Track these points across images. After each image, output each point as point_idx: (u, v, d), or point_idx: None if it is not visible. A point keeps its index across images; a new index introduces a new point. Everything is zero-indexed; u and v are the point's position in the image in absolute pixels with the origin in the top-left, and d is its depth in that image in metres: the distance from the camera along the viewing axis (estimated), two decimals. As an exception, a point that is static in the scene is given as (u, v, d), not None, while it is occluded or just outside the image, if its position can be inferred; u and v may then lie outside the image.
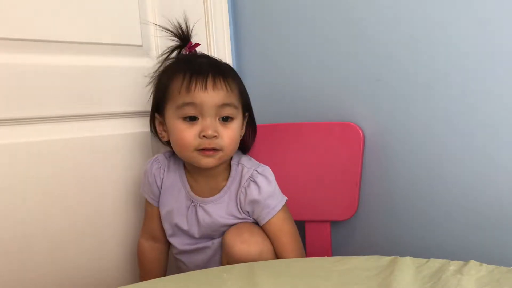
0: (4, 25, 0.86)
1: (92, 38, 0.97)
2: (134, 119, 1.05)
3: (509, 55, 0.83)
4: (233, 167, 0.90)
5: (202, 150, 0.84)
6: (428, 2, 0.90)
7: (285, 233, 0.89)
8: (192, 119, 0.84)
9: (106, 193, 1.00)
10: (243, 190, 0.87)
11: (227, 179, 0.90)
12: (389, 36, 0.96)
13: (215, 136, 0.83)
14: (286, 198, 0.90)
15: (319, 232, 1.03)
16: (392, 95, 0.97)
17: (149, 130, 1.06)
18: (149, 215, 0.98)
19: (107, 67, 1.00)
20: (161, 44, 1.08)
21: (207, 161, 0.84)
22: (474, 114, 0.88)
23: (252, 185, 0.87)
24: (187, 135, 0.83)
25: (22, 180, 0.89)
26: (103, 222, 1.00)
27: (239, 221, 0.89)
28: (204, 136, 0.82)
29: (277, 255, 0.88)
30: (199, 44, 0.96)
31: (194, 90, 0.82)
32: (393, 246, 1.01)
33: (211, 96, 0.82)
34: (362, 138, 1.01)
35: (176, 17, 1.10)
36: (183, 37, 0.93)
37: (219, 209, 0.89)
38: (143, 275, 0.99)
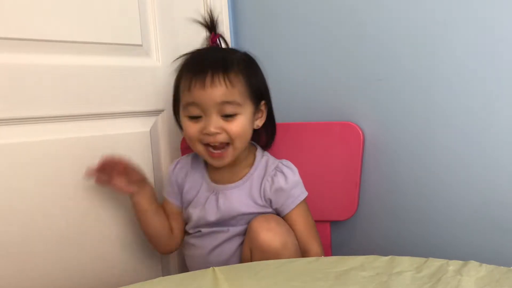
0: (4, 25, 0.86)
1: (92, 38, 0.97)
2: (134, 119, 1.05)
3: (509, 55, 0.83)
4: (258, 157, 0.95)
5: (210, 151, 0.88)
6: (429, 2, 0.90)
7: (308, 222, 0.93)
8: (197, 117, 0.87)
9: (106, 193, 1.00)
10: (269, 178, 0.91)
11: (250, 166, 0.94)
12: (389, 36, 0.96)
13: (218, 133, 0.86)
14: (307, 193, 0.93)
15: (319, 232, 1.03)
16: (392, 95, 0.97)
17: (149, 130, 1.07)
18: (167, 214, 0.99)
19: (107, 67, 1.00)
20: (161, 44, 1.08)
21: (218, 163, 0.89)
22: (474, 115, 0.88)
23: (279, 175, 0.91)
24: (191, 131, 0.88)
25: (22, 180, 0.89)
26: (102, 222, 1.00)
27: (259, 209, 0.91)
28: (206, 133, 0.86)
29: (299, 245, 0.89)
30: (219, 35, 0.96)
31: (194, 89, 0.85)
32: (393, 246, 1.01)
33: (209, 94, 0.84)
34: (362, 138, 1.00)
35: (175, 17, 1.11)
36: (209, 27, 0.96)
37: (240, 195, 0.91)
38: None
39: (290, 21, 1.11)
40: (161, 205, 1.00)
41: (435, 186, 0.94)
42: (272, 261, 0.77)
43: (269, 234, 0.82)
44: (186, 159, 0.99)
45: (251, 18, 1.17)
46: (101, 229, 1.00)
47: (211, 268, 0.71)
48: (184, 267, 1.14)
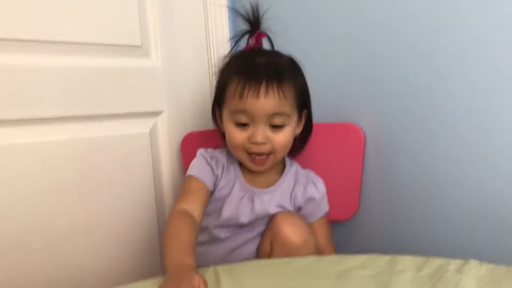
0: (4, 25, 0.86)
1: (92, 38, 0.97)
2: (134, 119, 1.05)
3: (509, 56, 0.83)
4: (288, 165, 0.96)
5: (252, 157, 0.87)
6: (428, 3, 0.91)
7: (327, 233, 0.96)
8: (244, 124, 0.86)
9: (105, 193, 1.00)
10: (301, 187, 0.92)
11: (280, 173, 0.95)
12: (389, 36, 0.96)
13: (264, 143, 0.85)
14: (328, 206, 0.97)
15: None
16: (393, 95, 0.97)
17: (149, 131, 1.07)
18: (194, 190, 0.88)
19: (107, 68, 1.00)
20: (161, 44, 1.08)
21: (258, 168, 0.89)
22: (474, 115, 0.88)
23: (311, 185, 0.93)
24: (237, 138, 0.86)
25: (22, 180, 0.89)
26: (102, 222, 1.00)
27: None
28: (253, 142, 0.85)
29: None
30: (265, 35, 0.94)
31: (247, 97, 0.83)
32: (394, 246, 1.01)
33: (262, 104, 0.82)
34: (363, 138, 1.00)
35: (175, 18, 1.11)
36: (253, 23, 0.93)
37: (272, 201, 0.91)
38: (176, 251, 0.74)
39: (289, 21, 1.11)
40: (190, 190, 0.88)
41: (436, 186, 0.94)
42: (273, 260, 0.77)
43: (293, 228, 0.83)
44: (221, 155, 0.94)
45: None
46: (101, 229, 1.00)
47: (211, 267, 0.71)
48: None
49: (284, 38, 1.11)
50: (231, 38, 1.00)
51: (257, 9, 0.92)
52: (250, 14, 0.92)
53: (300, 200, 0.92)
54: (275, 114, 0.84)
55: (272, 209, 0.90)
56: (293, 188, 0.93)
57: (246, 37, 0.94)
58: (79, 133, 0.97)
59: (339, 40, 1.04)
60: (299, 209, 0.93)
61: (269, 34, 0.95)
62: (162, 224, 1.11)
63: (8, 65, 0.87)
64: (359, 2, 1.00)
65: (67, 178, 0.95)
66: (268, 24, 0.95)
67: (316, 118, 1.06)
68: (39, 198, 0.91)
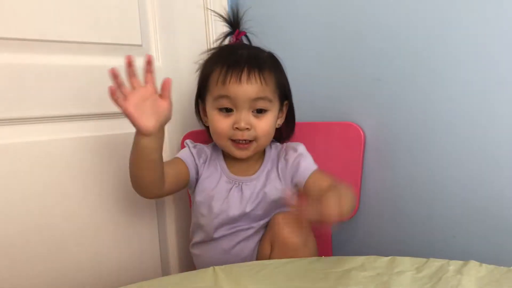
0: (4, 25, 0.86)
1: (92, 38, 0.97)
2: (134, 119, 1.05)
3: (509, 55, 0.83)
4: (267, 148, 0.97)
5: (236, 142, 0.89)
6: (428, 2, 0.90)
7: (331, 176, 0.90)
8: (228, 110, 0.88)
9: (105, 193, 1.00)
10: (282, 160, 0.94)
11: (262, 159, 0.96)
12: (389, 36, 0.96)
13: (247, 128, 0.87)
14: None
15: (319, 232, 1.03)
16: (392, 95, 0.97)
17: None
18: (173, 161, 0.93)
19: (107, 67, 0.99)
20: (161, 44, 1.08)
21: (241, 153, 0.90)
22: (473, 114, 0.88)
23: (290, 151, 0.94)
24: (222, 125, 0.88)
25: (22, 180, 0.89)
26: (102, 222, 1.00)
27: (279, 192, 0.92)
28: (236, 128, 0.87)
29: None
30: (245, 33, 0.98)
31: (229, 83, 0.86)
32: (393, 246, 1.01)
33: (244, 89, 0.85)
34: (362, 138, 1.00)
35: (175, 18, 1.11)
36: (233, 24, 0.97)
37: (259, 185, 0.93)
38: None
39: (289, 21, 1.11)
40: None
41: (436, 186, 0.94)
42: (272, 260, 0.77)
43: (293, 229, 0.84)
44: (205, 148, 0.97)
45: (251, 18, 1.17)
46: (101, 229, 1.00)
47: (211, 267, 0.71)
48: (184, 267, 1.14)
49: (283, 37, 1.12)
50: (215, 41, 1.03)
51: (237, 10, 0.97)
52: (230, 16, 0.97)
53: (286, 171, 0.93)
54: (258, 98, 0.87)
55: (269, 192, 0.91)
56: (278, 165, 0.94)
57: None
58: (80, 132, 0.97)
59: (339, 39, 1.04)
60: (292, 179, 0.92)
61: (256, 33, 0.99)
62: (163, 224, 1.12)
63: (8, 64, 0.87)
64: (359, 2, 1.00)
65: (68, 178, 0.95)
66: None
67: (316, 117, 1.07)
68: (39, 198, 0.91)
